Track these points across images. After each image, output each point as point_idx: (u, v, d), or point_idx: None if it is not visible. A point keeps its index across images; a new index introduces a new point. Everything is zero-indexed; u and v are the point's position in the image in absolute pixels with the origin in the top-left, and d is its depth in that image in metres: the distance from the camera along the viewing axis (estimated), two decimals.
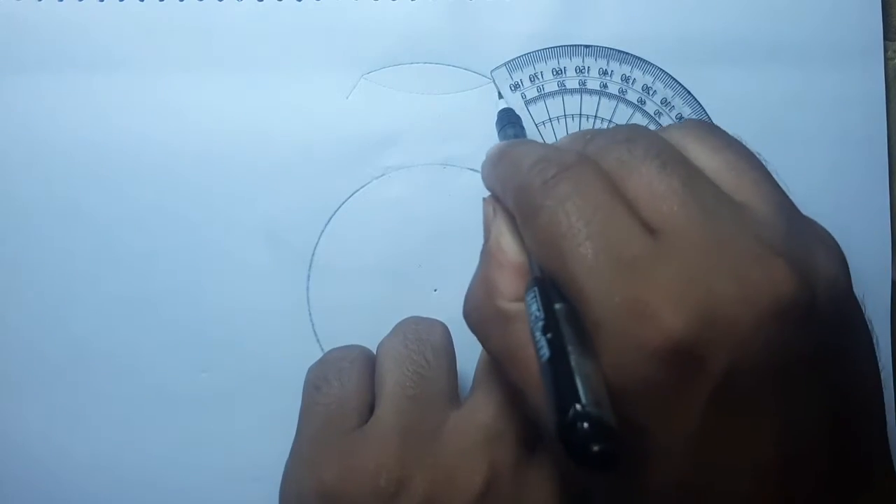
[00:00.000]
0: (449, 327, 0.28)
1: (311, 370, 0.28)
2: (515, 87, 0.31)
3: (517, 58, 0.31)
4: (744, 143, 0.24)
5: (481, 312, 0.23)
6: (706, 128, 0.24)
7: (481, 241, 0.30)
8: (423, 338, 0.27)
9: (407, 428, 0.25)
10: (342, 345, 0.29)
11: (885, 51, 0.31)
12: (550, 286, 0.21)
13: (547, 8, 0.31)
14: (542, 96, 0.31)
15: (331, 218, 0.31)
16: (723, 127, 0.30)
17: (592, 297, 0.19)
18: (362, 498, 0.24)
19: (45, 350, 0.30)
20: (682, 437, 0.19)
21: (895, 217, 0.31)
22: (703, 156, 0.22)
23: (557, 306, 0.20)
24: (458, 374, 0.27)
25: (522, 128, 0.30)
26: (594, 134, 0.24)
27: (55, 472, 0.27)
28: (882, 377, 0.29)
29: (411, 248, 0.31)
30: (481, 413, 0.25)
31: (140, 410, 0.30)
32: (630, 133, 0.23)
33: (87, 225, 0.31)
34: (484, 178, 0.27)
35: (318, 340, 0.30)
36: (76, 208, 0.31)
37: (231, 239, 0.31)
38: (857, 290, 0.30)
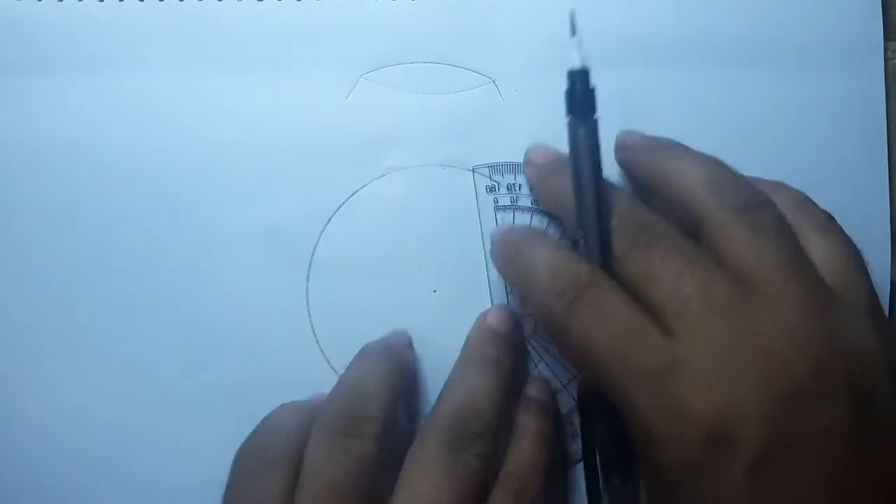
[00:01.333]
0: (449, 330, 0.28)
1: (239, 452, 0.27)
2: (491, 189, 0.31)
3: (503, 164, 0.31)
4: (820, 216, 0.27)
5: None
6: (753, 208, 0.25)
7: (480, 241, 0.31)
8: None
9: None
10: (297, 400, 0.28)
11: (886, 51, 0.31)
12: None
13: (547, 7, 0.31)
14: (513, 208, 0.31)
15: (331, 218, 0.31)
16: (722, 126, 0.31)
17: (633, 405, 0.23)
18: None
19: (45, 349, 0.30)
20: None
21: (895, 217, 0.31)
22: (741, 242, 0.24)
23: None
24: None
25: (594, 118, 0.25)
26: (619, 231, 0.25)
27: (55, 472, 0.27)
28: None
29: (411, 249, 0.31)
30: None
31: (140, 410, 0.30)
32: (651, 237, 0.25)
33: (87, 225, 0.31)
34: (493, 259, 0.29)
35: (317, 341, 0.30)
36: (76, 208, 0.31)
37: (231, 239, 0.31)
38: None
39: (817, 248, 0.25)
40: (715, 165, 0.27)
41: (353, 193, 0.31)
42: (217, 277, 0.30)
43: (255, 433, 0.27)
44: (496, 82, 0.31)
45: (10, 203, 0.31)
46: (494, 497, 0.26)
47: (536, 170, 0.30)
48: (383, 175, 0.31)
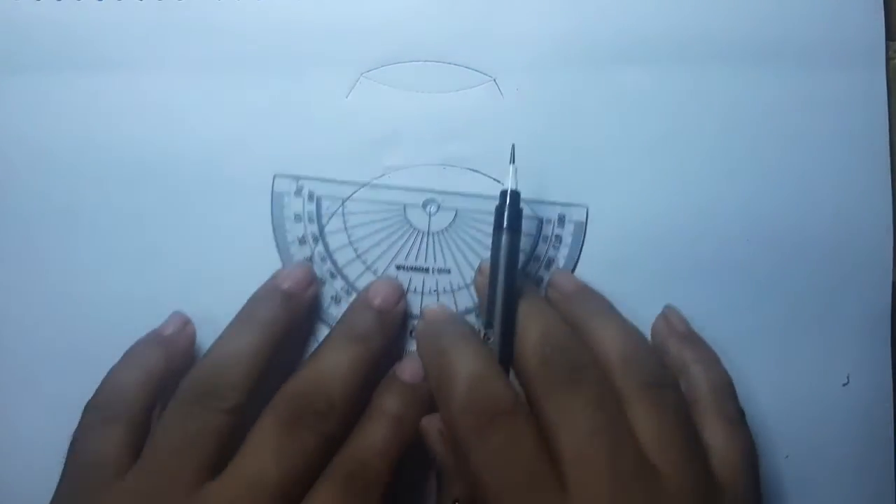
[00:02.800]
0: None
1: (85, 409, 0.27)
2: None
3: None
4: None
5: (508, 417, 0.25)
6: (657, 387, 0.26)
7: (481, 242, 0.30)
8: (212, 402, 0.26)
9: (146, 495, 0.25)
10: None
11: (887, 51, 0.31)
12: None
13: (547, 5, 0.31)
14: None
15: (331, 218, 0.31)
16: (724, 126, 0.31)
17: None
18: None
19: (45, 350, 0.30)
20: None
21: None
22: (642, 417, 0.25)
23: None
24: None
25: (519, 233, 0.28)
26: (544, 361, 0.26)
27: (55, 472, 0.27)
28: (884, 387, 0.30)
29: (411, 249, 0.31)
30: (222, 491, 0.25)
31: None
32: (572, 379, 0.25)
33: (87, 225, 0.31)
34: (416, 345, 0.28)
35: (317, 341, 0.30)
36: (76, 208, 0.31)
37: (231, 239, 0.31)
38: (854, 292, 0.31)
39: (717, 438, 0.26)
40: (632, 338, 0.28)
41: (353, 193, 0.31)
42: (217, 277, 0.30)
43: (98, 391, 0.27)
44: (497, 81, 0.31)
45: (9, 203, 0.31)
46: (322, 477, 0.25)
47: (484, 278, 0.28)
48: (383, 175, 0.31)
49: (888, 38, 0.31)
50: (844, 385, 0.31)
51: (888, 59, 0.31)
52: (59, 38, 0.30)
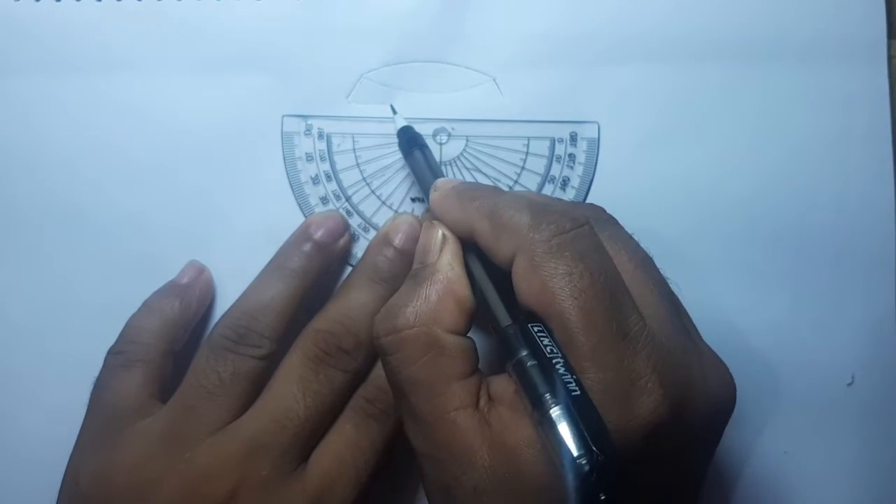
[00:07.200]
0: None
1: (107, 354, 0.28)
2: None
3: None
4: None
5: (409, 334, 0.23)
6: (617, 225, 0.26)
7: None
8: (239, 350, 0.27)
9: (171, 434, 0.26)
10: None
11: (889, 48, 0.31)
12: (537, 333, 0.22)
13: (547, 5, 0.31)
14: None
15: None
16: (725, 123, 0.31)
17: (595, 359, 0.21)
18: (114, 490, 0.26)
19: (45, 350, 0.30)
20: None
21: None
22: (621, 256, 0.24)
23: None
24: None
25: (429, 148, 0.30)
26: (571, 204, 0.25)
27: (55, 472, 0.27)
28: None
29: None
30: (250, 425, 0.26)
31: None
32: (606, 214, 0.26)
33: (87, 225, 0.31)
34: (440, 208, 0.26)
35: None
36: (76, 208, 0.31)
37: (231, 239, 0.31)
38: (859, 291, 0.30)
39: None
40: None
41: (353, 193, 0.31)
42: (217, 278, 0.30)
43: (119, 337, 0.29)
44: (496, 80, 0.31)
45: (9, 203, 0.31)
46: (346, 408, 0.27)
47: (454, 194, 0.27)
48: (383, 175, 0.31)
49: (890, 35, 0.31)
50: (849, 385, 0.30)
51: (890, 57, 0.31)
52: (60, 39, 0.31)
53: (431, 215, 0.27)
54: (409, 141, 0.29)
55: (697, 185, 0.31)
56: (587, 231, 0.23)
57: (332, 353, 0.27)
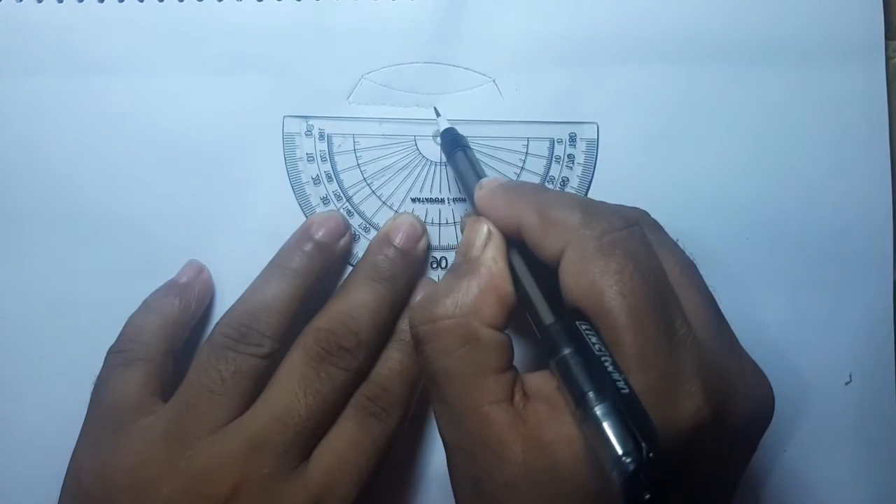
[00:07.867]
0: None
1: (108, 353, 0.29)
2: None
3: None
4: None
5: (447, 324, 0.23)
6: (662, 229, 0.26)
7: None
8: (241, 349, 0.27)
9: (172, 433, 0.26)
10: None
11: (886, 49, 0.31)
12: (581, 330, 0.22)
13: (547, 5, 0.31)
14: None
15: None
16: (724, 124, 0.31)
17: (641, 359, 0.21)
18: (116, 488, 0.26)
19: (45, 350, 0.30)
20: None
21: None
22: (667, 259, 0.24)
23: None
24: None
25: (472, 149, 0.30)
26: (619, 205, 0.25)
27: (57, 472, 0.27)
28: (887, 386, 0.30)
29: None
30: (251, 423, 0.26)
31: None
32: (651, 218, 0.26)
33: (88, 225, 0.31)
34: (486, 205, 0.26)
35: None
36: (76, 208, 0.31)
37: (232, 239, 0.31)
38: (857, 291, 0.30)
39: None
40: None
41: (354, 194, 0.31)
42: (218, 278, 0.31)
43: (119, 336, 0.29)
44: (496, 81, 0.31)
45: (9, 203, 0.31)
46: (349, 405, 0.27)
47: (501, 191, 0.27)
48: (383, 175, 0.31)
49: (888, 37, 0.31)
50: (847, 384, 0.31)
51: (888, 59, 0.31)
52: (61, 39, 0.31)
53: (476, 213, 0.27)
54: (453, 142, 0.30)
55: (696, 185, 0.31)
56: (638, 231, 0.23)
57: (333, 351, 0.27)
